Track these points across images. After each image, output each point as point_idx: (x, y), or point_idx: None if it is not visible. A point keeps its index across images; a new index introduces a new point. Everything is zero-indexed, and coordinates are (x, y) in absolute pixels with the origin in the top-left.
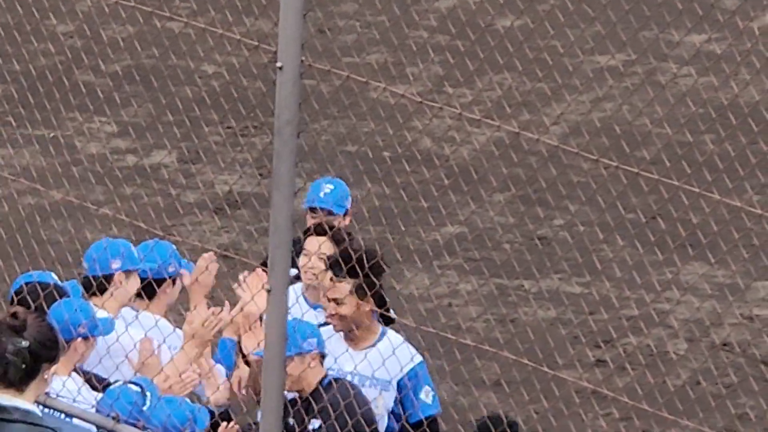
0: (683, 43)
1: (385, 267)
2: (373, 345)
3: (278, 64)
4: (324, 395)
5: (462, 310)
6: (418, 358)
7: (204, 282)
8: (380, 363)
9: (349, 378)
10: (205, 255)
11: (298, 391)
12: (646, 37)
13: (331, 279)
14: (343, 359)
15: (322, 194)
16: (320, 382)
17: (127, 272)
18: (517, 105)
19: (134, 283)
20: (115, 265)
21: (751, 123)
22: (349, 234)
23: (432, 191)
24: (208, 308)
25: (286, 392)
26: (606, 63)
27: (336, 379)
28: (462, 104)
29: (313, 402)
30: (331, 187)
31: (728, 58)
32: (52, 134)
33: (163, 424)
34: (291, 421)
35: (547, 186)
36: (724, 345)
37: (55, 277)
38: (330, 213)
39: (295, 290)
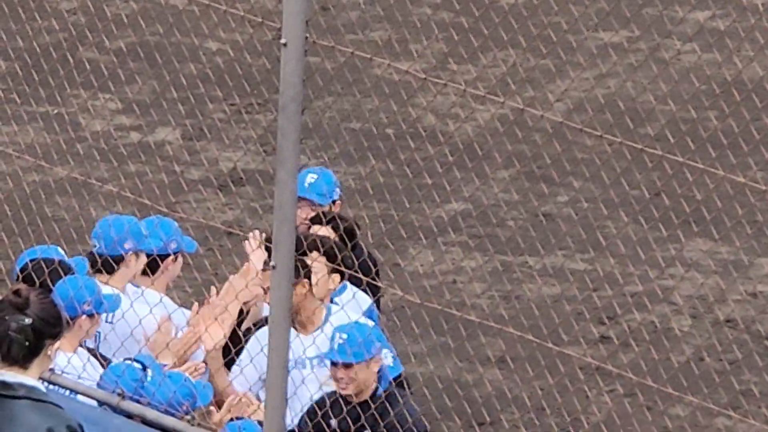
0: (687, 20)
1: (318, 244)
2: (322, 326)
3: (282, 41)
4: (385, 407)
5: (466, 286)
6: (370, 323)
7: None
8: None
9: (307, 364)
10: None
11: (349, 394)
12: (649, 13)
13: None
14: (295, 345)
15: (306, 184)
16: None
17: (137, 252)
18: (521, 81)
19: (142, 263)
20: (128, 245)
21: (755, 99)
22: (341, 218)
23: (436, 168)
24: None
25: (327, 389)
26: (610, 39)
27: (390, 391)
28: (466, 81)
29: (374, 412)
30: (315, 176)
31: (732, 35)
32: (55, 111)
33: (167, 401)
34: (333, 422)
35: (551, 162)
36: (728, 321)
37: (61, 252)
38: (315, 204)
39: None
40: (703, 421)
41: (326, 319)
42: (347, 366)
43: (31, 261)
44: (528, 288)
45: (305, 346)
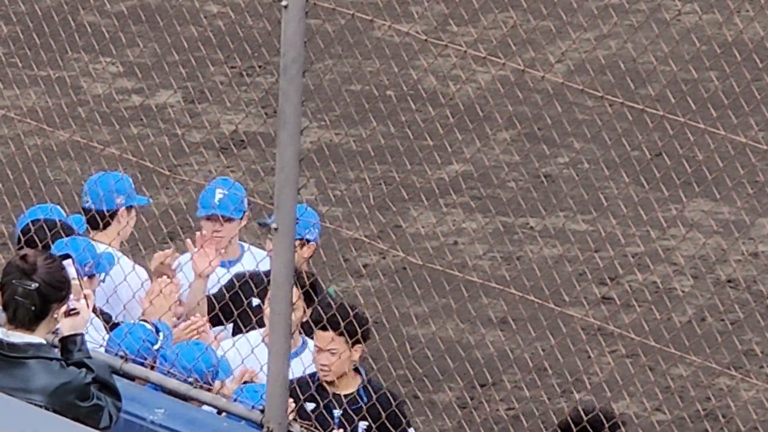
0: None
1: None
2: None
3: (283, 3)
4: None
5: (468, 248)
6: None
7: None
8: None
9: None
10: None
11: None
12: None
13: None
14: None
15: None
16: None
17: (129, 208)
18: (521, 43)
19: (134, 218)
20: (120, 200)
21: (756, 59)
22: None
23: (437, 129)
24: None
25: None
26: (610, 0)
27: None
28: (467, 42)
29: None
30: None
31: None
32: (57, 75)
33: (189, 369)
34: None
35: (552, 123)
36: (730, 281)
37: (62, 211)
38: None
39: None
40: (705, 381)
41: None
42: None
43: (33, 222)
44: (529, 249)
45: None
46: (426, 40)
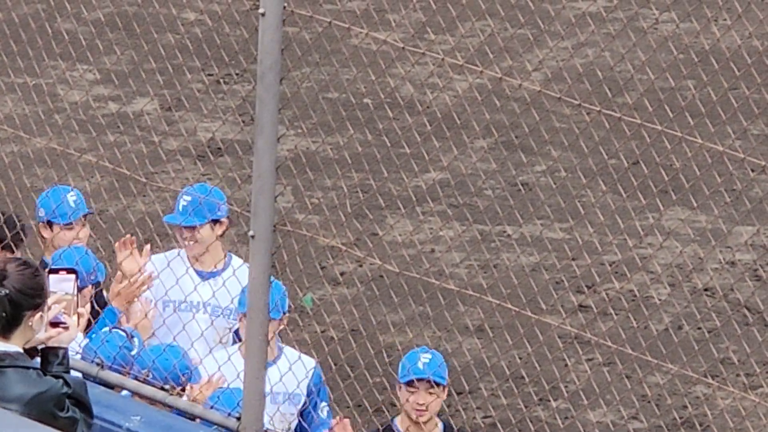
0: None
1: None
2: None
3: (260, 11)
4: None
5: (445, 255)
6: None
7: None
8: None
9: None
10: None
11: None
12: None
13: None
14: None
15: (420, 364)
16: None
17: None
18: (499, 51)
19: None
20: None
21: (733, 68)
22: None
23: (414, 137)
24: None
25: None
26: (587, 8)
27: None
28: (444, 50)
29: None
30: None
31: (709, 3)
32: (34, 82)
33: (165, 372)
34: None
35: (529, 131)
36: (707, 290)
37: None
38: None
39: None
40: (682, 389)
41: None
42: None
43: None
44: (506, 257)
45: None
46: (403, 48)
